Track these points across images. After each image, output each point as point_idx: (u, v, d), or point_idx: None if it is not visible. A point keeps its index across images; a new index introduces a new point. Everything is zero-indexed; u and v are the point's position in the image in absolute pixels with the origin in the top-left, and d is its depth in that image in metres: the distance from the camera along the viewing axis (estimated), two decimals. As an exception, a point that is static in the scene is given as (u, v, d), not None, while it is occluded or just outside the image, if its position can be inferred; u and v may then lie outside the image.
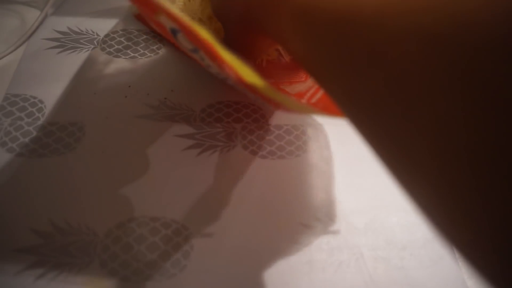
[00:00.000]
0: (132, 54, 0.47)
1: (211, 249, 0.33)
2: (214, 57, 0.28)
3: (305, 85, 0.42)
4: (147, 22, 0.49)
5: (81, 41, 0.48)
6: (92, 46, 0.47)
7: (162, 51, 0.47)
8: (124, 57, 0.47)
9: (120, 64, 0.46)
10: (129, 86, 0.44)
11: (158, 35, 0.49)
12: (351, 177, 0.39)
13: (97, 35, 0.49)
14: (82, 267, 0.31)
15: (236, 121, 0.42)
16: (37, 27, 0.48)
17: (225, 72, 0.31)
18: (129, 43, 0.48)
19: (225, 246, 0.34)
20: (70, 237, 0.33)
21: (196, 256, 0.33)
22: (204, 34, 0.25)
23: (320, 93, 0.39)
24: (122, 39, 0.48)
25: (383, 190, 0.38)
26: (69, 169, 0.36)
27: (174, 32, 0.30)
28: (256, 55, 0.41)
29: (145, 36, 0.49)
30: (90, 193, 0.35)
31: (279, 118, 0.42)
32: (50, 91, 0.42)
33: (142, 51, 0.47)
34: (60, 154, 0.37)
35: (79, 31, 0.49)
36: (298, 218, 0.36)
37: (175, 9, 0.26)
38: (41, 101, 0.41)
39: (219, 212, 0.35)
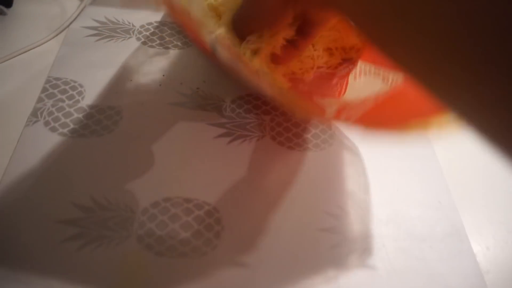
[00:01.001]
0: (166, 45, 0.49)
1: (241, 230, 0.35)
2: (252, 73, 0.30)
3: (340, 102, 0.42)
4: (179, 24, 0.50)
5: (117, 30, 0.50)
6: (128, 36, 0.49)
7: (194, 44, 0.49)
8: (158, 47, 0.49)
9: (154, 54, 0.48)
10: (163, 75, 0.46)
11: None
12: (375, 173, 0.41)
13: (133, 25, 0.51)
14: (120, 240, 0.33)
15: (265, 113, 0.44)
16: (77, 16, 0.50)
17: (261, 87, 0.33)
18: (163, 35, 0.50)
19: (253, 226, 0.35)
20: (109, 213, 0.35)
21: (226, 236, 0.34)
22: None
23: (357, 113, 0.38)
24: (156, 30, 0.50)
25: (404, 186, 0.40)
26: (107, 150, 0.38)
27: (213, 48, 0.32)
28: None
29: (178, 29, 0.51)
30: (127, 173, 0.37)
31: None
32: (89, 76, 0.44)
33: (175, 43, 0.49)
34: (99, 136, 0.39)
35: (116, 21, 0.51)
36: (321, 206, 0.37)
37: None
38: (80, 85, 0.43)
39: (247, 196, 0.37)
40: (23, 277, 0.31)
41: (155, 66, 0.46)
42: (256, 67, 0.28)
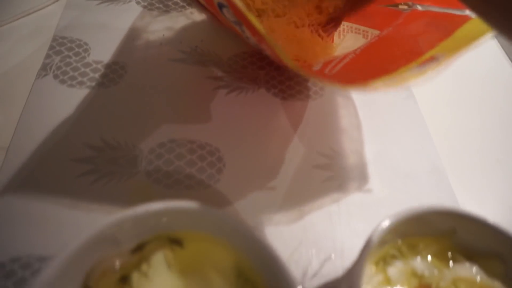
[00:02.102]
0: (165, 8, 0.51)
1: (240, 167, 0.38)
2: (254, 32, 0.33)
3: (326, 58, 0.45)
4: None
5: (118, -5, 0.52)
6: (128, 0, 0.52)
7: (193, 5, 0.52)
8: (158, 10, 0.51)
9: (154, 16, 0.50)
10: (163, 35, 0.48)
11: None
12: (364, 116, 0.44)
13: (132, -10, 0.53)
14: (130, 176, 0.36)
15: (260, 68, 0.47)
16: (78, -19, 0.52)
17: (262, 45, 0.36)
18: (162, -1, 0.53)
19: (251, 165, 0.38)
20: (118, 152, 0.37)
21: (227, 172, 0.38)
22: (249, 15, 0.29)
23: (340, 65, 0.41)
24: (155, -5, 0.53)
25: (390, 130, 0.43)
26: (114, 99, 0.41)
27: (220, 6, 0.35)
28: None
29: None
30: (133, 119, 0.40)
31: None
32: (93, 35, 0.47)
33: (173, 7, 0.52)
34: (106, 87, 0.42)
35: (116, -13, 0.53)
36: (317, 147, 0.41)
37: None
38: (86, 43, 0.46)
39: (245, 139, 0.40)
40: (44, 209, 0.33)
41: (156, 27, 0.49)
42: (258, 28, 0.31)
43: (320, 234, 0.35)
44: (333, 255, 0.34)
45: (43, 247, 0.31)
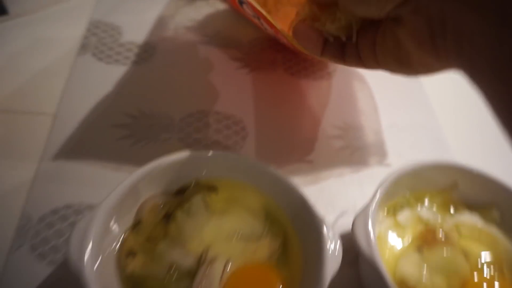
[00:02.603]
0: (190, -3, 0.56)
1: (261, 135, 0.42)
2: (270, 25, 0.38)
3: None
4: None
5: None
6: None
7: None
8: (184, 0, 0.56)
9: (181, 5, 0.55)
10: (189, 21, 0.53)
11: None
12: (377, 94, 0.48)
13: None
14: (164, 140, 0.40)
15: (277, 52, 0.51)
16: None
17: (278, 36, 0.41)
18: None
19: (271, 132, 0.43)
20: (153, 120, 0.42)
21: (250, 139, 0.42)
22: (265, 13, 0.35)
23: None
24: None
25: (397, 108, 0.47)
26: (147, 75, 0.46)
27: (240, 2, 0.40)
28: None
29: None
30: (165, 91, 0.44)
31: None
32: (126, 20, 0.51)
33: (197, -4, 0.56)
34: (138, 65, 0.47)
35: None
36: (332, 121, 0.45)
37: None
38: (119, 27, 0.50)
39: (264, 110, 0.44)
40: (90, 167, 0.38)
41: (183, 14, 0.53)
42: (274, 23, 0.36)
43: (335, 195, 0.39)
44: (346, 212, 0.38)
45: (91, 197, 0.35)
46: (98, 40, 0.48)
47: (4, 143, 0.38)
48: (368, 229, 0.28)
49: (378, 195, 0.30)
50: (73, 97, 0.42)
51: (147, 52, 0.48)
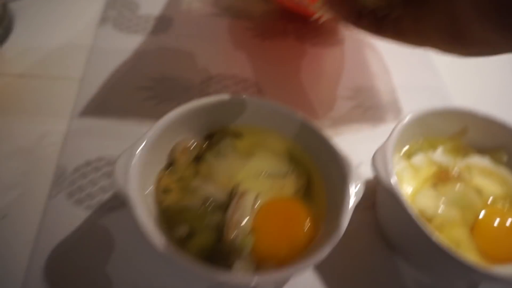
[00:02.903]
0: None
1: (274, 95, 0.44)
2: None
3: None
4: None
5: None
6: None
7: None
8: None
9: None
10: (202, -5, 0.55)
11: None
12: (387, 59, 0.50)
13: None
14: (186, 101, 0.42)
15: (289, 22, 0.53)
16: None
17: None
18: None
19: (284, 93, 0.45)
20: (174, 82, 0.44)
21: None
22: None
23: None
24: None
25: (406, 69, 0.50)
26: (165, 44, 0.48)
27: None
28: None
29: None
30: (184, 58, 0.46)
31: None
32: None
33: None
34: (156, 35, 0.49)
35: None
36: (347, 83, 0.47)
37: None
38: (135, 2, 0.52)
39: (277, 74, 0.47)
40: (118, 125, 0.40)
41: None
42: None
43: (352, 149, 0.41)
44: (364, 162, 0.40)
45: (121, 150, 0.37)
46: (117, 13, 0.50)
47: (36, 104, 0.40)
48: (387, 160, 0.30)
49: (395, 132, 0.32)
50: (97, 64, 0.44)
51: (164, 23, 0.50)
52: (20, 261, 0.31)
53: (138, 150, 0.27)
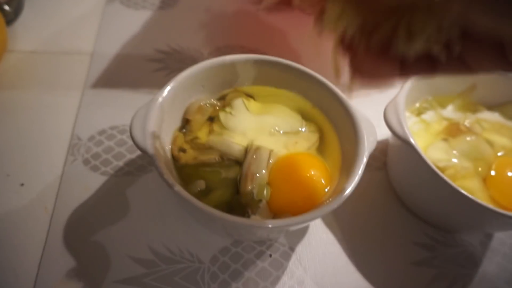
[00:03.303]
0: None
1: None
2: None
3: None
4: None
5: None
6: None
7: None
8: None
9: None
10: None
11: None
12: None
13: None
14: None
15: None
16: None
17: None
18: None
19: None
20: (183, 55, 0.44)
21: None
22: None
23: None
24: None
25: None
26: (173, 18, 0.48)
27: None
28: None
29: None
30: (190, 31, 0.47)
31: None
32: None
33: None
34: (164, 9, 0.49)
35: None
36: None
37: None
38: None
39: (285, 45, 0.47)
40: (129, 95, 0.40)
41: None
42: None
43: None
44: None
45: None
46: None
47: (49, 78, 0.41)
48: (399, 111, 0.30)
49: (406, 86, 0.33)
50: (107, 39, 0.45)
51: (172, -1, 0.50)
52: (41, 225, 0.31)
53: (154, 109, 0.28)
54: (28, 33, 0.45)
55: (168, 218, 0.33)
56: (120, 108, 0.39)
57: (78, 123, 0.37)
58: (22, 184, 0.34)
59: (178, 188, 0.24)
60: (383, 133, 0.37)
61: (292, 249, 0.32)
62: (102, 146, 0.36)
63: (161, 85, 0.40)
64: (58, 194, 0.33)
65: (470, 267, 0.33)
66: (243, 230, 0.28)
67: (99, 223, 0.32)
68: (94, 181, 0.34)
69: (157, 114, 0.28)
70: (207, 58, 0.43)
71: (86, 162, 0.35)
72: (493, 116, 0.36)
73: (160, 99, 0.29)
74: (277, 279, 0.31)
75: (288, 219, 0.25)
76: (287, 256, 0.32)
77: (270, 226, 0.25)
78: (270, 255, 0.32)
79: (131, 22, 0.47)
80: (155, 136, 0.27)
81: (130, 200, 0.33)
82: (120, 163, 0.36)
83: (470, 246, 0.34)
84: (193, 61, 0.43)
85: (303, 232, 0.33)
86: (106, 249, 0.30)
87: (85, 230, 0.31)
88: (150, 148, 0.26)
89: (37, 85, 0.40)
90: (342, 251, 0.33)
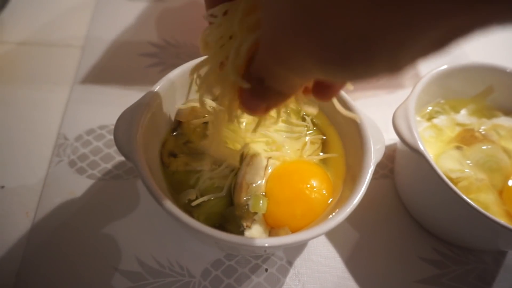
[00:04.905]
0: None
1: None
2: None
3: None
4: None
5: None
6: None
7: None
8: None
9: None
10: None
11: None
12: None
13: None
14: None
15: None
16: None
17: None
18: None
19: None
20: (179, 49, 0.42)
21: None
22: None
23: None
24: None
25: None
26: (167, 10, 0.45)
27: None
28: None
29: None
30: (186, 24, 0.44)
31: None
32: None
33: None
34: (159, 1, 0.46)
35: None
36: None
37: None
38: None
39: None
40: (119, 91, 0.38)
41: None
42: None
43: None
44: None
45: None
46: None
47: (37, 71, 0.39)
48: (409, 117, 0.28)
49: (416, 89, 0.30)
50: (99, 31, 0.42)
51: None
52: (21, 231, 0.29)
53: (141, 110, 0.25)
54: (16, 23, 0.42)
55: (158, 228, 0.30)
56: (111, 106, 0.36)
57: (65, 121, 0.35)
58: (2, 187, 0.31)
59: (168, 204, 0.22)
60: (391, 137, 0.35)
61: (290, 263, 0.30)
62: (90, 146, 0.34)
63: (155, 81, 0.38)
64: (41, 198, 0.31)
65: (482, 287, 0.30)
66: (237, 247, 0.26)
67: (83, 231, 0.30)
68: (79, 185, 0.32)
69: (145, 116, 0.26)
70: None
71: (72, 163, 0.33)
72: (508, 122, 0.33)
73: (148, 100, 0.26)
74: (273, 296, 0.28)
75: (287, 237, 0.23)
76: (284, 271, 0.30)
77: (266, 245, 0.22)
78: (266, 270, 0.29)
79: (124, 14, 0.44)
80: (141, 142, 0.25)
81: (117, 206, 0.31)
82: (109, 166, 0.33)
83: (483, 264, 0.31)
84: (189, 56, 0.41)
85: (302, 245, 0.31)
86: (90, 260, 0.28)
87: (68, 238, 0.29)
88: (135, 155, 0.23)
89: (23, 79, 0.38)
90: (344, 266, 0.30)
